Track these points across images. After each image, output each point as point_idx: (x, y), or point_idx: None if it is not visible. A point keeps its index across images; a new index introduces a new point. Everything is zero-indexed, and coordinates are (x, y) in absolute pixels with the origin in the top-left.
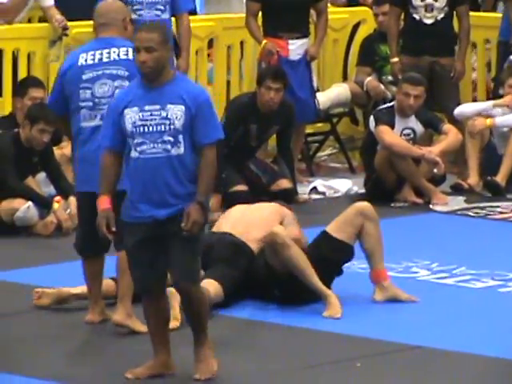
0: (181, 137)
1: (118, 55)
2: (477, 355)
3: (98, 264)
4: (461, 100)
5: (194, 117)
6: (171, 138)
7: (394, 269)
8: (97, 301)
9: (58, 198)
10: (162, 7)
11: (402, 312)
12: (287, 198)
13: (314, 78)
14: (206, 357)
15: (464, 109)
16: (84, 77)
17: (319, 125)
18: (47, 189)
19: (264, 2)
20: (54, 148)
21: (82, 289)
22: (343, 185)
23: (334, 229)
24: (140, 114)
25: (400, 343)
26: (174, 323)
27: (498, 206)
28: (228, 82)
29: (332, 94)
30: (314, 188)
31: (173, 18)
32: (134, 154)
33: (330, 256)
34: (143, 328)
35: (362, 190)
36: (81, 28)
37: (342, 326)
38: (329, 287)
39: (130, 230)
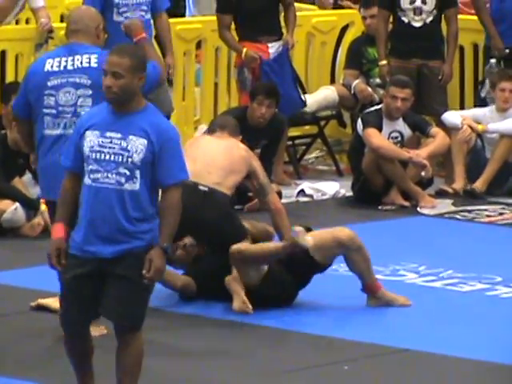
0: (138, 172)
1: (81, 63)
2: (464, 358)
3: None
4: (449, 103)
5: (158, 154)
6: (127, 172)
7: (381, 272)
8: None
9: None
10: (146, 8)
11: (390, 315)
12: None
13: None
14: None
15: (450, 117)
16: (49, 83)
17: (307, 127)
18: (34, 190)
19: (236, 11)
20: None
21: None
22: (331, 187)
23: (313, 246)
24: (100, 140)
25: (387, 346)
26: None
27: (485, 210)
28: (216, 84)
29: (320, 96)
30: (302, 191)
31: None
32: (87, 180)
33: (304, 271)
34: None
35: (350, 193)
36: None
37: (329, 328)
38: (298, 290)
39: (71, 263)
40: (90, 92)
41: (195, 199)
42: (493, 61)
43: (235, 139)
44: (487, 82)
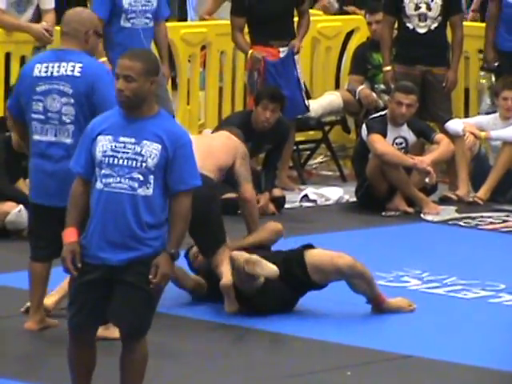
0: (151, 177)
1: (66, 71)
2: (467, 365)
3: (44, 268)
4: (453, 110)
5: (171, 159)
6: (140, 177)
7: (384, 278)
8: (39, 307)
9: None
10: (150, 15)
11: (393, 321)
12: (278, 205)
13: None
14: None
15: (453, 126)
16: (38, 89)
17: (311, 133)
18: None
19: (250, 14)
20: None
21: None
22: (334, 193)
23: (311, 267)
24: (113, 144)
25: (390, 352)
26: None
27: (489, 217)
28: (220, 89)
29: (324, 101)
30: (305, 196)
31: None
32: (99, 185)
33: (299, 287)
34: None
35: (353, 199)
36: None
37: (331, 334)
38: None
39: (82, 269)
40: (73, 101)
41: None
42: (482, 73)
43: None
44: (485, 97)
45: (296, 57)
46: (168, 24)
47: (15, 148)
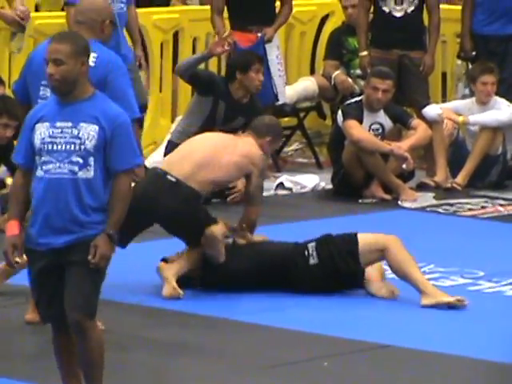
0: (91, 159)
1: None
2: (446, 354)
3: None
4: (431, 95)
5: (110, 140)
6: (80, 160)
7: None
8: None
9: None
10: (125, 0)
11: (371, 310)
12: None
13: (281, 68)
14: None
15: (431, 112)
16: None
17: (286, 119)
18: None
19: None
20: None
21: None
22: (310, 180)
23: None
24: (50, 131)
25: (368, 342)
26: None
27: (467, 203)
28: None
29: (299, 87)
30: (281, 183)
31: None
32: (39, 172)
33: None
34: None
35: (330, 186)
36: (44, 19)
37: (308, 324)
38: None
39: (31, 258)
40: None
41: (161, 186)
42: (458, 62)
43: (252, 140)
44: (459, 84)
45: (276, 43)
46: (139, 10)
47: None
